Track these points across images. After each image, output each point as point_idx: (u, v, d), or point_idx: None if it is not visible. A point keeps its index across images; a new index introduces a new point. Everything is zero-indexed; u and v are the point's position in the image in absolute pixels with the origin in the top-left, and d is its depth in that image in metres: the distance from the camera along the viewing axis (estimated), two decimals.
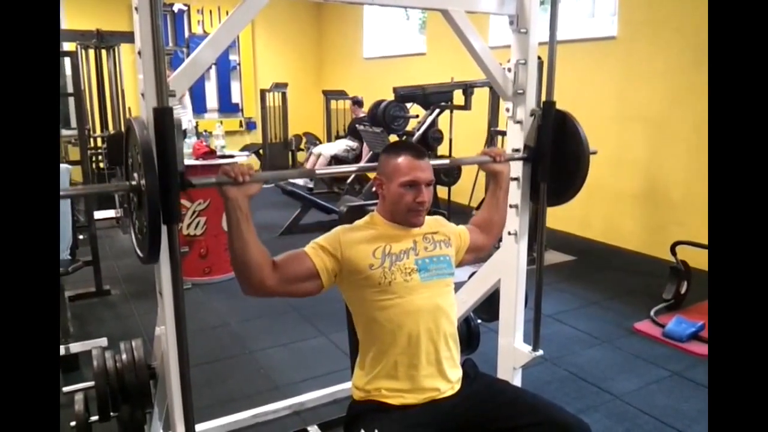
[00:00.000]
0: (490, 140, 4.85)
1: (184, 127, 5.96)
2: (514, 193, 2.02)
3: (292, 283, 1.54)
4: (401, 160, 1.62)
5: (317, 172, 1.72)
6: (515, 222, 2.05)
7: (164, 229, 1.36)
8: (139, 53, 1.38)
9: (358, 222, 1.70)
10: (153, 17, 1.32)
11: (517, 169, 1.99)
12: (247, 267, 1.46)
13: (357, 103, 7.46)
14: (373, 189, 1.73)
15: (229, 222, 1.44)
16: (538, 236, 2.04)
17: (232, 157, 4.33)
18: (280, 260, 1.54)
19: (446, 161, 2.29)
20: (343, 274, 1.60)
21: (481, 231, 1.89)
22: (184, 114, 6.66)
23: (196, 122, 6.44)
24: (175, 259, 1.40)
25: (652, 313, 3.52)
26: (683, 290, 3.67)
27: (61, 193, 1.19)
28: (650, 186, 4.90)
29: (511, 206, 2.01)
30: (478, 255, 1.91)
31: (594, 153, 1.92)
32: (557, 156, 1.91)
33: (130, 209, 1.50)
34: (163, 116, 1.33)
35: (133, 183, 1.41)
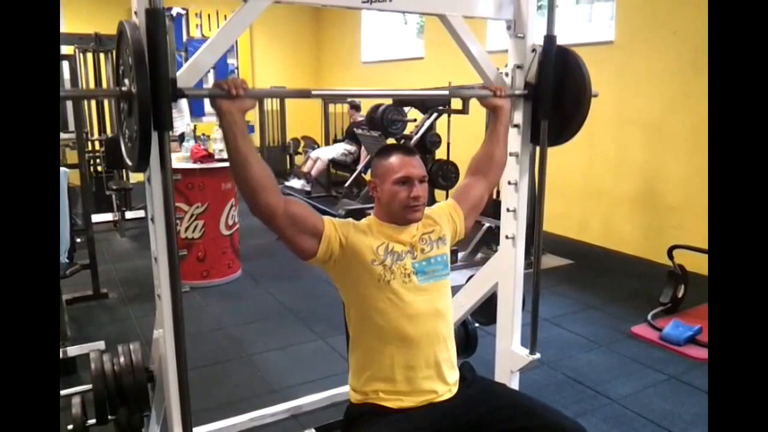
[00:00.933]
0: None
1: (181, 131, 5.97)
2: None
3: (296, 224, 1.51)
4: (392, 159, 1.63)
5: (312, 93, 1.68)
6: (513, 225, 2.05)
7: (155, 136, 1.33)
8: None
9: (359, 222, 1.71)
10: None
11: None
12: (249, 184, 1.43)
13: (354, 107, 7.46)
14: (370, 194, 1.73)
15: (226, 138, 1.41)
16: (536, 240, 2.04)
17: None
18: (293, 200, 1.53)
19: (445, 91, 2.21)
20: (344, 260, 1.58)
21: (479, 177, 1.85)
22: (180, 118, 6.66)
23: (194, 125, 6.43)
24: (166, 167, 1.36)
25: (649, 316, 3.53)
26: (680, 294, 3.68)
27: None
28: (648, 190, 4.91)
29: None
30: (478, 211, 1.87)
31: (595, 95, 1.88)
32: (558, 93, 1.88)
33: (120, 119, 1.47)
34: (155, 18, 1.29)
35: (124, 89, 1.38)
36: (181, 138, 5.73)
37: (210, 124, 7.50)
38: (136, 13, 1.36)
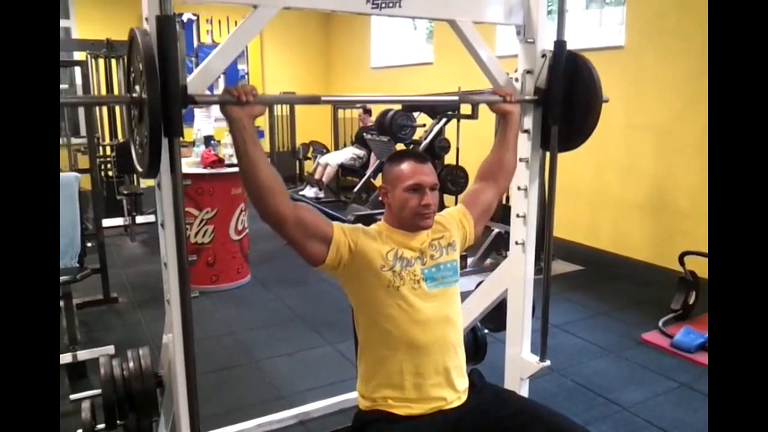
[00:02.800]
0: None
1: (209, 134, 6.02)
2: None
3: (305, 230, 1.51)
4: (404, 165, 1.63)
5: (322, 99, 1.69)
6: (523, 231, 2.04)
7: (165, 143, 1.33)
8: None
9: (368, 227, 1.70)
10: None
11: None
12: (259, 190, 1.43)
13: (367, 111, 7.47)
14: (380, 199, 1.73)
15: (236, 144, 1.42)
16: (546, 246, 2.03)
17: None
18: (304, 205, 1.53)
19: (455, 97, 2.17)
20: (353, 266, 1.58)
21: (488, 183, 1.85)
22: (208, 121, 6.71)
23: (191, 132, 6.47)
24: (176, 173, 1.36)
25: (660, 323, 3.50)
26: (692, 301, 3.64)
27: (61, 101, 1.16)
28: (658, 195, 4.88)
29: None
30: (488, 217, 1.87)
31: (606, 101, 1.86)
32: (568, 98, 1.87)
33: (131, 126, 1.47)
34: (166, 25, 1.30)
35: (135, 95, 1.38)
36: (207, 140, 5.80)
37: (220, 129, 7.53)
38: (146, 19, 1.37)
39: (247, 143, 1.41)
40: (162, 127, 1.31)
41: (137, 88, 1.38)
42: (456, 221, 1.77)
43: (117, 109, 6.23)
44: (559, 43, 1.84)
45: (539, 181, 2.08)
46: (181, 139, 1.37)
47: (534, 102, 1.92)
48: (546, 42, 1.91)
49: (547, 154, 1.97)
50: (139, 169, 1.44)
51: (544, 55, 1.90)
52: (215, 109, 6.90)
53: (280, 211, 1.45)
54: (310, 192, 7.54)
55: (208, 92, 1.48)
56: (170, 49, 1.30)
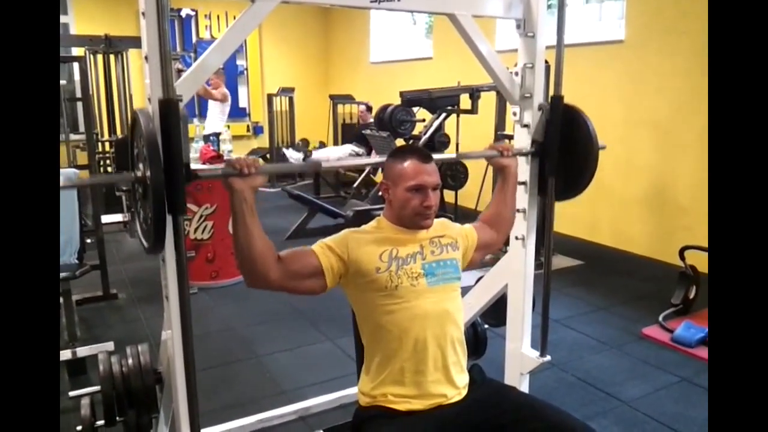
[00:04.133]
0: None
1: (219, 131, 6.06)
2: (522, 197, 2.00)
3: (295, 279, 1.53)
4: (407, 164, 1.61)
5: (323, 165, 1.73)
6: (522, 227, 2.04)
7: (170, 220, 1.35)
8: (146, 58, 1.38)
9: (365, 226, 1.69)
10: (160, 22, 1.33)
11: (524, 172, 1.97)
12: (251, 259, 1.45)
13: (370, 109, 7.45)
14: (380, 194, 1.73)
15: (234, 214, 1.44)
16: (546, 241, 2.03)
17: None
18: (285, 255, 1.53)
19: (453, 155, 2.24)
20: (349, 276, 1.59)
21: (490, 227, 1.87)
22: (221, 117, 6.74)
23: (202, 126, 6.48)
24: (180, 248, 1.39)
25: (660, 318, 3.50)
26: (692, 295, 3.64)
27: (66, 184, 1.19)
28: (658, 190, 4.87)
29: (518, 211, 2.00)
30: (487, 252, 1.89)
31: (603, 148, 1.89)
32: (565, 151, 1.90)
33: (135, 199, 1.49)
34: (168, 108, 1.32)
35: (138, 174, 1.40)
36: (213, 137, 5.84)
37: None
38: (144, 13, 1.36)
39: (246, 215, 1.43)
40: (166, 205, 1.33)
41: (141, 166, 1.40)
42: (461, 233, 1.78)
43: (116, 104, 6.23)
44: (556, 98, 1.87)
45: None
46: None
47: (531, 154, 1.95)
48: (546, 37, 1.91)
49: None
50: (145, 244, 1.46)
51: (540, 109, 1.93)
52: (228, 109, 6.98)
53: (268, 277, 1.48)
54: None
55: (209, 166, 1.51)
56: (173, 130, 1.32)
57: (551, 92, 1.89)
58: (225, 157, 4.21)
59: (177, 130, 1.32)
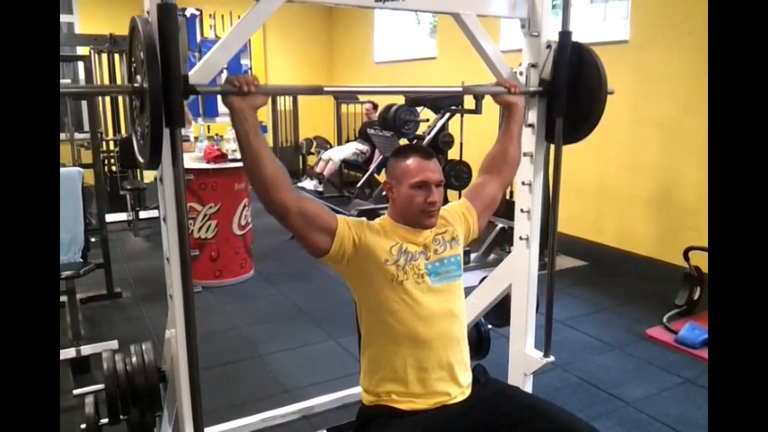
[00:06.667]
0: None
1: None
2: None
3: (309, 222, 1.50)
4: (410, 161, 1.61)
5: (325, 90, 1.66)
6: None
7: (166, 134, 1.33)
8: None
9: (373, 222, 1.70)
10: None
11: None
12: (262, 183, 1.42)
13: (375, 107, 7.45)
14: (383, 193, 1.72)
15: (238, 135, 1.41)
16: (550, 241, 2.02)
17: None
18: (308, 199, 1.53)
19: (459, 88, 2.14)
20: (357, 260, 1.57)
21: (492, 176, 1.84)
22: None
23: (207, 126, 6.46)
24: (177, 165, 1.36)
25: (664, 319, 3.49)
26: (696, 296, 3.63)
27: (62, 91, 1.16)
28: (663, 191, 4.86)
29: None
30: (492, 210, 1.86)
31: (611, 92, 1.85)
32: (574, 91, 1.86)
33: (133, 117, 1.47)
34: (167, 13, 1.28)
35: (136, 85, 1.38)
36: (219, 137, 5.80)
37: (223, 124, 7.56)
38: (148, 12, 1.36)
39: (249, 134, 1.40)
40: (163, 116, 1.30)
41: (138, 78, 1.37)
42: (459, 215, 1.76)
43: (120, 104, 6.24)
44: (564, 34, 1.82)
45: (543, 176, 2.06)
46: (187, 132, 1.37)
47: (538, 93, 1.91)
48: (550, 35, 1.90)
49: (552, 147, 1.95)
50: (141, 159, 1.43)
51: (549, 46, 1.88)
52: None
53: (284, 202, 1.45)
54: (309, 184, 7.53)
55: (209, 86, 1.47)
56: (171, 38, 1.28)
57: (560, 28, 1.83)
58: (229, 157, 4.21)
59: (175, 37, 1.28)
